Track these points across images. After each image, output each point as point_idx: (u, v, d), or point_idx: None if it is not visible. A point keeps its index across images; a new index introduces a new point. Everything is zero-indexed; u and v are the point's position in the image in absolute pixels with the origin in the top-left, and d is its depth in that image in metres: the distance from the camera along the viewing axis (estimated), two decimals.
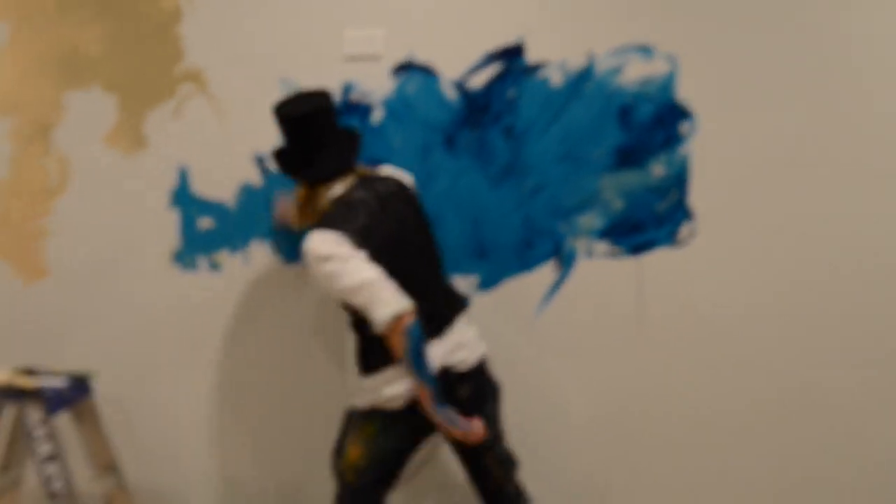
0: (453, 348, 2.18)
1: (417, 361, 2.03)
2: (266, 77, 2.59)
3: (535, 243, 2.68)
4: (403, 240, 2.17)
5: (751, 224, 2.65)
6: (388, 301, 1.98)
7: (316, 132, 2.21)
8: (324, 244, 2.01)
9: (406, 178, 2.38)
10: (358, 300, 2.01)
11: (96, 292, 2.64)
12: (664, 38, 2.60)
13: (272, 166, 2.64)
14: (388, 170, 2.39)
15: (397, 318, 1.99)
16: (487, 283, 2.71)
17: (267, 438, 2.75)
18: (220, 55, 2.57)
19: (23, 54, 2.58)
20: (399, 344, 2.01)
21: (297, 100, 2.24)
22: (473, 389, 2.21)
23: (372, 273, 2.00)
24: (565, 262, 2.68)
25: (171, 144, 2.60)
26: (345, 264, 1.99)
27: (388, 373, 2.14)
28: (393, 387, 2.15)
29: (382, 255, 2.07)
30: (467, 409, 2.18)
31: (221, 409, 2.72)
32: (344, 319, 2.53)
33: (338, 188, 2.22)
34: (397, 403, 2.16)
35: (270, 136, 2.59)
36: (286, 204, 2.53)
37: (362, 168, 2.33)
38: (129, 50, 2.58)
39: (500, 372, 2.44)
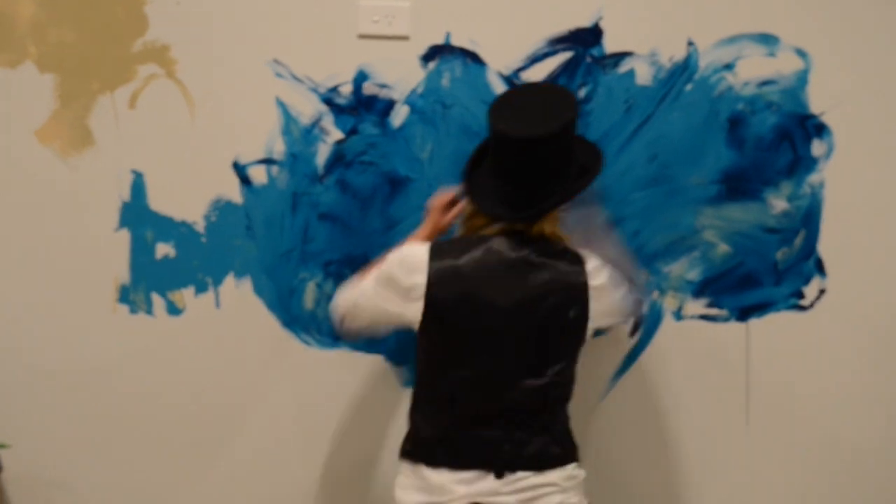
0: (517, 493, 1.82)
1: None
2: (253, 58, 2.26)
3: None
4: (496, 329, 1.86)
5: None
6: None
7: (550, 160, 1.82)
8: (402, 260, 1.86)
9: (580, 277, 1.87)
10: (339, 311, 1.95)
11: (13, 338, 2.29)
12: (791, 28, 2.26)
13: (256, 178, 2.25)
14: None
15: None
16: None
17: None
18: (193, 28, 2.26)
19: None
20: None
21: (527, 107, 1.86)
22: None
23: (370, 295, 1.89)
24: (646, 324, 2.30)
25: (123, 144, 2.28)
26: (376, 285, 1.87)
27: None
28: None
29: (451, 324, 1.85)
30: None
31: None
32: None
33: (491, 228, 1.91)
34: None
35: (255, 137, 2.25)
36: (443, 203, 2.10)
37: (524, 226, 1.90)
38: (73, 16, 2.25)
39: None
